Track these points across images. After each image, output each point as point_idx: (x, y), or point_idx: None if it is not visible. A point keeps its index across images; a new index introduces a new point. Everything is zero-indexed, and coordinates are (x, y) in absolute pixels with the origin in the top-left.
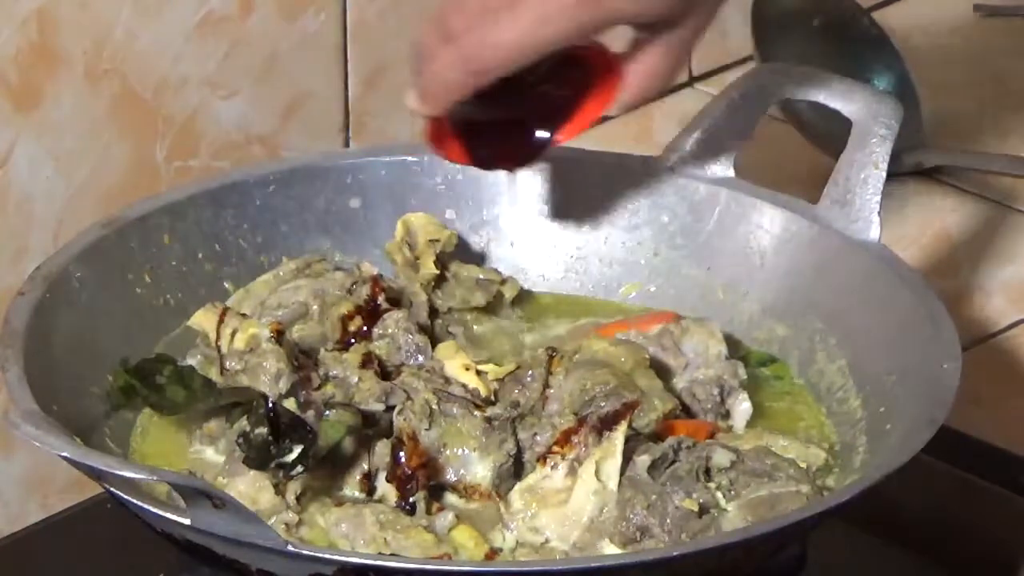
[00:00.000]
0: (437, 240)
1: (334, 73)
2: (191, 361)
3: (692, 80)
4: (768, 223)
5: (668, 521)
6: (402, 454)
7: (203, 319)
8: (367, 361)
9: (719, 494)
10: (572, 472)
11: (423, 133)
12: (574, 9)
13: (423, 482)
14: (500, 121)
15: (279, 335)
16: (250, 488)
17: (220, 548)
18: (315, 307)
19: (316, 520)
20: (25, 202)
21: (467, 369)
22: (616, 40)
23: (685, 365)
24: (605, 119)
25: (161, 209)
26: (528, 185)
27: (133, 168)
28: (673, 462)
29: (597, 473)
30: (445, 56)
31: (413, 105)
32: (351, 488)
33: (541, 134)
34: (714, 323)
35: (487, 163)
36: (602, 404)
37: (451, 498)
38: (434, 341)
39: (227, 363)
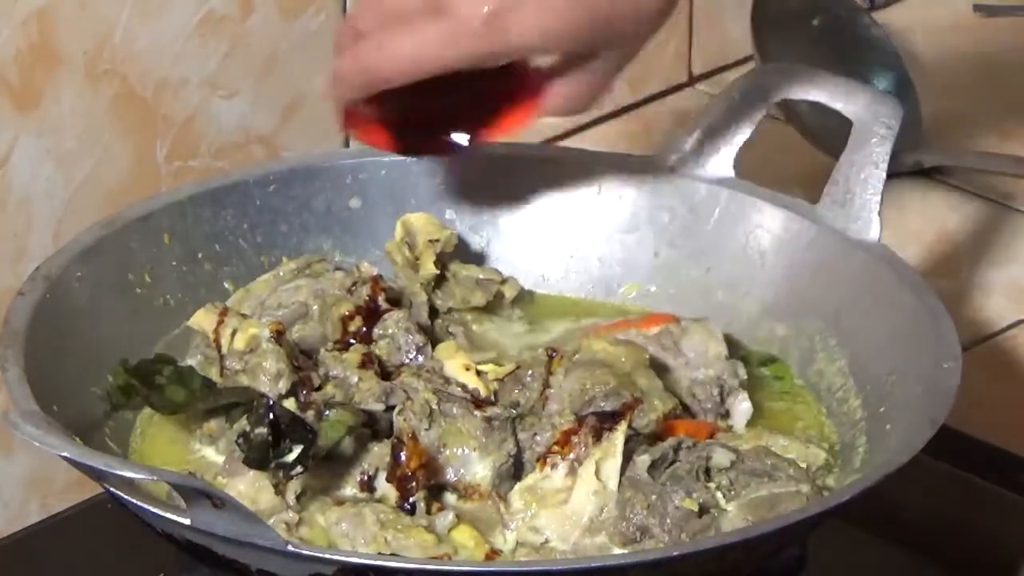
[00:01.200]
0: (437, 240)
1: None
2: (191, 361)
3: (692, 80)
4: (768, 223)
5: (668, 521)
6: (402, 454)
7: (203, 319)
8: (367, 361)
9: (719, 494)
10: (572, 472)
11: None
12: (479, 36)
13: (423, 482)
14: (421, 110)
15: (279, 335)
16: (250, 488)
17: (220, 548)
18: (315, 307)
19: (316, 520)
20: (25, 202)
21: (467, 369)
22: None
23: (685, 365)
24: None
25: (161, 209)
26: (528, 185)
27: (133, 168)
28: (673, 462)
29: (597, 473)
30: (349, 56)
31: (324, 95)
32: (351, 488)
33: (461, 134)
34: (714, 323)
35: (405, 150)
36: (602, 404)
37: (451, 498)
38: (434, 341)
39: (227, 363)
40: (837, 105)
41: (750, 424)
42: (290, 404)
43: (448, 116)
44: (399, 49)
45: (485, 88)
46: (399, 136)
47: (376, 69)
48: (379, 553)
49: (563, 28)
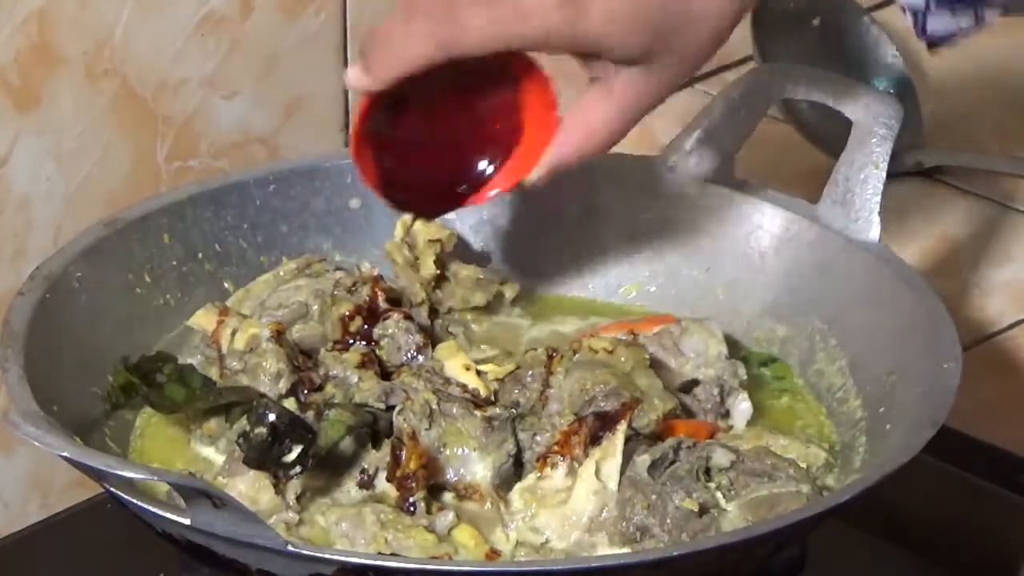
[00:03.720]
0: (437, 240)
1: (334, 73)
2: (191, 361)
3: (692, 80)
4: (768, 223)
5: (668, 521)
6: (402, 454)
7: (203, 319)
8: (367, 361)
9: (719, 494)
10: (572, 472)
11: (350, 142)
12: (554, 12)
13: (423, 482)
14: (424, 158)
15: (279, 335)
16: (250, 488)
17: (220, 548)
18: (315, 307)
19: (316, 520)
20: (25, 202)
21: (467, 369)
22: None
23: (685, 365)
24: None
25: (161, 209)
26: (528, 185)
27: (133, 168)
28: (673, 462)
29: (597, 473)
30: (411, 26)
31: (354, 78)
32: (351, 488)
33: (461, 189)
34: (714, 323)
35: (400, 204)
36: (602, 404)
37: (451, 498)
38: (434, 341)
39: (227, 363)
40: (837, 105)
41: (750, 424)
42: (290, 404)
43: (445, 170)
44: (475, 20)
45: (489, 134)
46: (395, 185)
47: (451, 37)
48: (379, 553)
49: (635, 15)
